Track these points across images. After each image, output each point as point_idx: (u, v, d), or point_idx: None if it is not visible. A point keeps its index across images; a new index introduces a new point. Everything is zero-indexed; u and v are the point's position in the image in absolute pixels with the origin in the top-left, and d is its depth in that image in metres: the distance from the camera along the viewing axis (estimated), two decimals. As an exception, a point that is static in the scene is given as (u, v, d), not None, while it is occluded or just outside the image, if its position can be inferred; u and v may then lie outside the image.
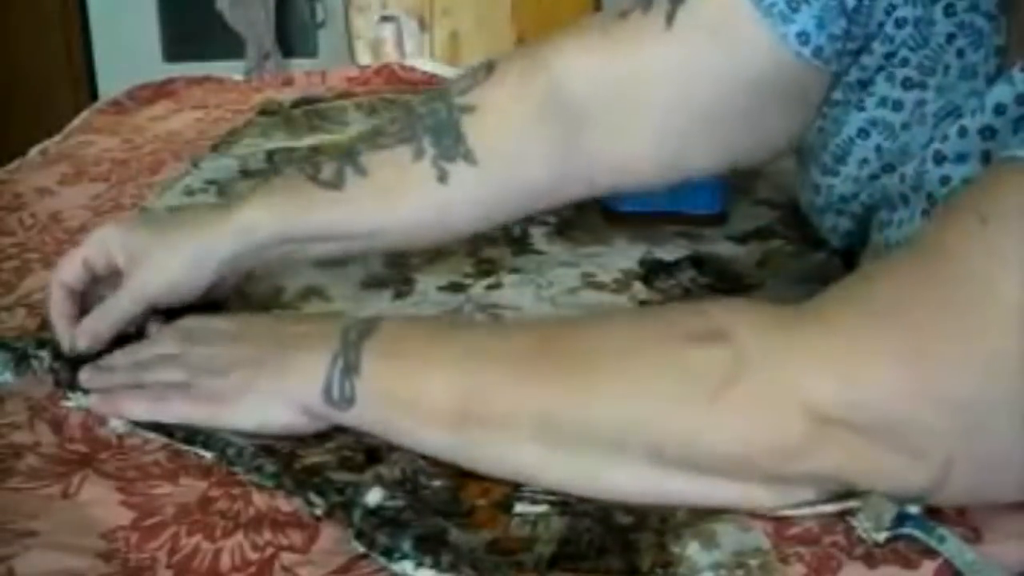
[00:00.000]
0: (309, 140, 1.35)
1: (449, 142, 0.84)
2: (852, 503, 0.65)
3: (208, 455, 0.73)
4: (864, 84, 0.83)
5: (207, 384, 0.74)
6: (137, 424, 0.76)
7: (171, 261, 0.83)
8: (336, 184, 0.84)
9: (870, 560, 0.62)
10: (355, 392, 0.70)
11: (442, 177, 0.84)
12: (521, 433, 0.66)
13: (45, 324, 0.89)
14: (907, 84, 0.81)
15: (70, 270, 0.83)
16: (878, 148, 0.83)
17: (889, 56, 0.82)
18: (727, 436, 0.62)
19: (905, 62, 0.81)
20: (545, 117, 0.85)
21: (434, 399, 0.68)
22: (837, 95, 0.85)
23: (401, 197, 0.85)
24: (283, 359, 0.73)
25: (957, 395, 0.59)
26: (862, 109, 0.83)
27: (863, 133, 0.83)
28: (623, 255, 1.00)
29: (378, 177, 0.85)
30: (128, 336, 0.84)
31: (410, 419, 0.69)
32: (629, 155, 0.86)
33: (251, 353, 0.74)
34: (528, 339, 0.71)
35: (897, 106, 0.82)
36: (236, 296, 0.93)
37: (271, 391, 0.72)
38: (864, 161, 0.83)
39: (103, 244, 0.84)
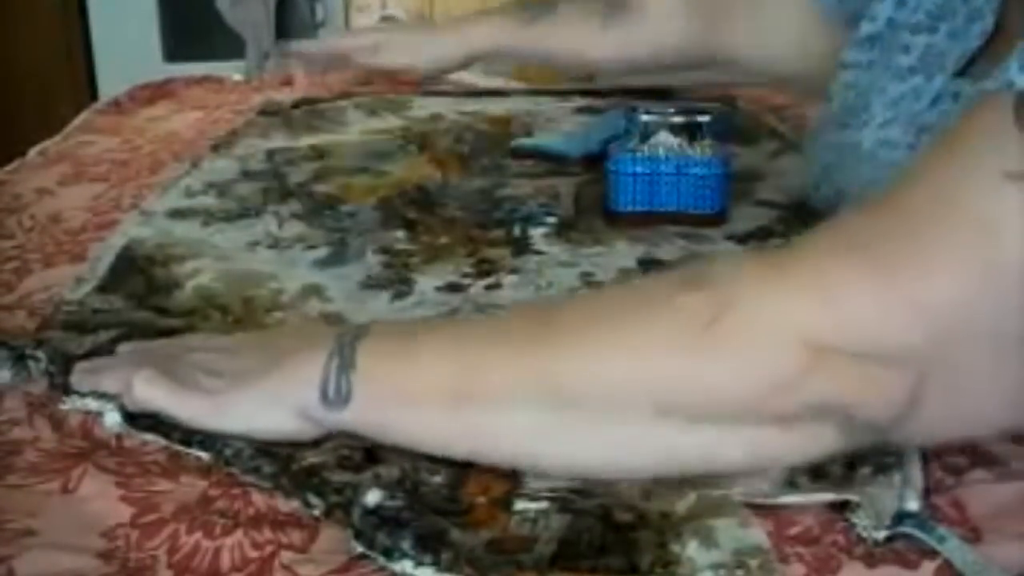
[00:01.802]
0: (309, 140, 1.36)
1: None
2: (851, 496, 0.65)
3: (205, 456, 0.73)
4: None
5: (204, 381, 0.74)
6: (134, 424, 0.75)
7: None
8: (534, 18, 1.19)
9: (870, 560, 0.62)
10: (351, 388, 0.69)
11: (604, 25, 1.15)
12: (520, 403, 0.66)
13: (44, 325, 0.89)
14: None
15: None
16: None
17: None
18: (723, 374, 0.63)
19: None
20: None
21: (430, 382, 0.68)
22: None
23: (574, 36, 1.18)
24: (280, 364, 0.72)
25: (932, 303, 0.61)
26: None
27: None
28: (622, 255, 1.00)
29: (563, 18, 1.19)
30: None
31: (407, 408, 0.69)
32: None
33: (249, 363, 0.74)
34: (521, 315, 0.72)
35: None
36: (237, 297, 0.94)
37: (267, 393, 0.72)
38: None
39: None
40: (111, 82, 2.50)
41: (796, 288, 0.63)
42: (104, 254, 1.03)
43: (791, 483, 0.68)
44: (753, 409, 0.63)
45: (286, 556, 0.64)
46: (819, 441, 0.65)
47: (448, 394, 0.68)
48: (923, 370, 0.62)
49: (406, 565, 0.62)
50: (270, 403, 0.72)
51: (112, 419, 0.76)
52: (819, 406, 0.63)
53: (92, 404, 0.78)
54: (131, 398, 0.74)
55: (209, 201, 1.16)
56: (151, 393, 0.73)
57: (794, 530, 0.64)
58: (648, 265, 0.98)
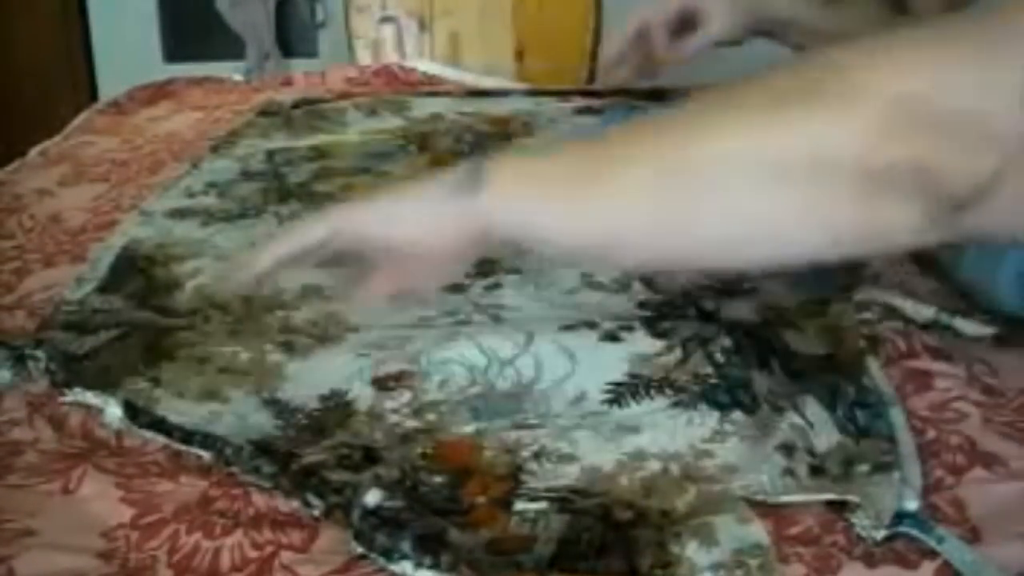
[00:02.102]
0: (309, 140, 1.36)
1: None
2: (850, 497, 0.65)
3: (206, 455, 0.73)
4: None
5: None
6: (134, 421, 0.76)
7: None
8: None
9: (870, 560, 0.62)
10: (485, 173, 0.69)
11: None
12: (645, 185, 0.68)
13: (44, 325, 0.89)
14: None
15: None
16: None
17: None
18: (826, 123, 0.66)
19: None
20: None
21: (560, 170, 0.69)
22: None
23: (864, 26, 1.08)
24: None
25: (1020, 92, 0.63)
26: None
27: None
28: (623, 255, 1.00)
29: (852, 7, 1.14)
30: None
31: (540, 191, 0.69)
32: None
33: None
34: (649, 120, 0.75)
35: None
36: (237, 297, 0.94)
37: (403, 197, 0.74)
38: None
39: None
40: (111, 82, 2.50)
41: (901, 59, 0.67)
42: (104, 254, 1.03)
43: (790, 472, 0.68)
44: (850, 161, 0.65)
45: (286, 556, 0.64)
46: (903, 214, 0.66)
47: (581, 179, 0.68)
48: (1009, 151, 0.64)
49: (406, 566, 0.62)
50: (402, 204, 0.73)
51: (113, 415, 0.77)
52: (907, 165, 0.65)
53: (93, 400, 0.78)
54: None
55: (209, 201, 1.16)
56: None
57: (794, 530, 0.65)
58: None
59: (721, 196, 0.67)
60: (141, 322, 0.90)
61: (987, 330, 0.85)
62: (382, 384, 0.81)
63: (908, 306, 0.88)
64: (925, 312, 0.87)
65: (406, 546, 0.62)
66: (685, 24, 1.22)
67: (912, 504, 0.65)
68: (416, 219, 0.71)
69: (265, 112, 1.47)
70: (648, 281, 0.95)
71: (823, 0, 1.20)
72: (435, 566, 0.61)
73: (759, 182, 0.66)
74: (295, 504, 0.68)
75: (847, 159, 0.65)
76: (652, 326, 0.86)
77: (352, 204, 0.78)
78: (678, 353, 0.83)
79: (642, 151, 0.69)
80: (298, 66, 2.79)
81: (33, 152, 1.37)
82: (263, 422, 0.77)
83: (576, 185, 0.68)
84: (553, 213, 0.69)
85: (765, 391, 0.78)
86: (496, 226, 0.70)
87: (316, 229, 0.74)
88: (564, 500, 0.67)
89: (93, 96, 2.90)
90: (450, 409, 0.78)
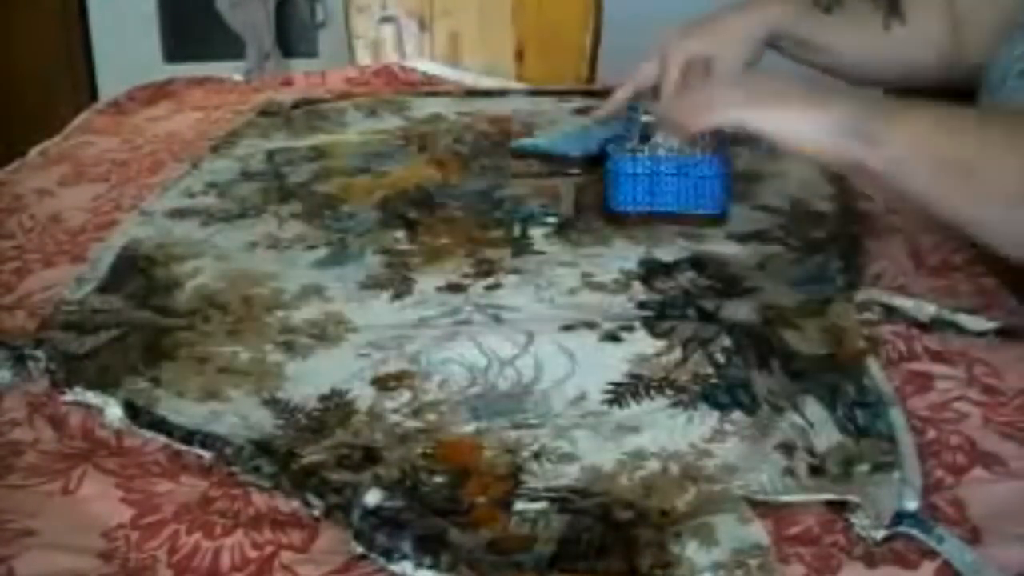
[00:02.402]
0: (309, 140, 1.36)
1: (894, 5, 1.16)
2: (850, 497, 0.65)
3: (206, 454, 0.73)
4: None
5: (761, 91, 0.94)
6: (134, 421, 0.76)
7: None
8: (828, 8, 1.17)
9: (870, 560, 0.62)
10: (882, 123, 0.86)
11: (886, 26, 1.15)
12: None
13: (44, 325, 0.89)
14: None
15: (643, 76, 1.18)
16: None
17: None
18: None
19: None
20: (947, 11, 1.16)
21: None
22: None
23: (858, 33, 1.17)
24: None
25: None
26: None
27: None
28: (623, 255, 1.00)
29: (850, 14, 1.17)
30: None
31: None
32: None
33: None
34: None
35: None
36: (237, 297, 0.94)
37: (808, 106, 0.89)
38: None
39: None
40: (111, 82, 2.50)
41: None
42: (104, 254, 1.03)
43: (790, 472, 0.68)
44: None
45: (286, 556, 0.64)
46: None
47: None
48: None
49: (406, 566, 0.62)
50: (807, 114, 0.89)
51: (113, 414, 0.77)
52: None
53: (93, 399, 0.78)
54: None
55: (209, 201, 1.16)
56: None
57: (794, 530, 0.65)
58: (649, 265, 0.98)
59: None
60: (141, 322, 0.90)
61: (990, 324, 0.85)
62: (382, 384, 0.81)
63: (910, 305, 0.88)
64: (927, 309, 0.87)
65: (406, 546, 0.62)
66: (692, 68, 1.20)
67: (912, 504, 0.65)
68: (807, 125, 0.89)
69: (265, 112, 1.47)
70: (648, 281, 0.95)
71: (822, 10, 1.20)
72: (435, 566, 0.61)
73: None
74: (295, 504, 0.68)
75: None
76: (652, 326, 0.86)
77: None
78: (678, 353, 0.83)
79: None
80: (298, 66, 2.79)
81: (33, 152, 1.37)
82: (263, 421, 0.77)
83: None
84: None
85: (765, 391, 0.78)
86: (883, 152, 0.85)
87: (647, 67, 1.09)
88: (564, 500, 0.67)
89: (93, 96, 2.90)
90: (450, 409, 0.78)
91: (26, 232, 1.12)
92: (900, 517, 0.63)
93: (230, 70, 2.09)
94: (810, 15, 1.18)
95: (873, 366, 0.80)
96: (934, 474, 0.69)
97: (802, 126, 0.89)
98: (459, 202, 1.14)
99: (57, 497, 0.69)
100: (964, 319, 0.86)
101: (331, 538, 0.65)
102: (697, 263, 0.98)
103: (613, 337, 0.85)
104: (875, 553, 0.62)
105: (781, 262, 0.99)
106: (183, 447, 0.74)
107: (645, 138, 1.07)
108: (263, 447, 0.72)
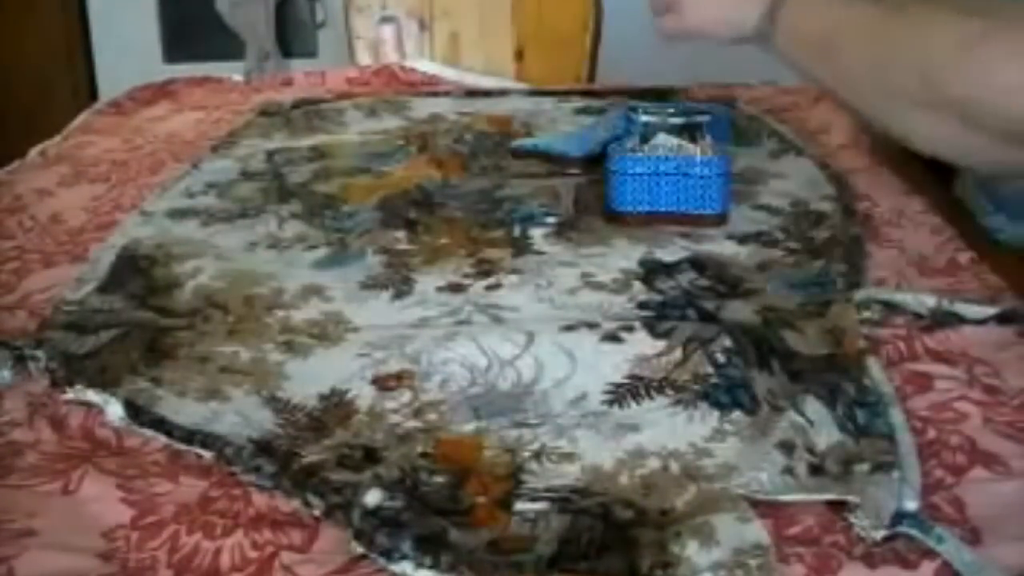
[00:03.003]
0: (309, 140, 1.36)
1: None
2: (850, 497, 0.65)
3: (207, 454, 0.73)
4: None
5: None
6: (135, 420, 0.76)
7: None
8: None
9: (870, 560, 0.62)
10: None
11: None
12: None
13: (44, 325, 0.89)
14: None
15: None
16: None
17: None
18: (992, 73, 0.82)
19: None
20: None
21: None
22: None
23: None
24: None
25: None
26: None
27: None
28: (623, 255, 1.00)
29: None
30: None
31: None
32: None
33: None
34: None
35: None
36: (237, 297, 0.94)
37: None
38: None
39: None
40: (111, 82, 2.50)
41: None
42: (104, 254, 1.03)
43: (790, 471, 0.68)
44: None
45: (286, 556, 0.64)
46: None
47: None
48: None
49: (406, 567, 0.62)
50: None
51: (114, 412, 0.77)
52: None
53: (93, 398, 0.78)
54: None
55: (209, 201, 1.16)
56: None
57: (794, 530, 0.65)
58: (649, 265, 0.98)
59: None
60: (141, 322, 0.90)
61: (989, 311, 0.86)
62: (382, 384, 0.81)
63: (909, 299, 0.88)
64: (927, 302, 0.87)
65: (406, 546, 0.62)
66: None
67: (912, 504, 0.65)
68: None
69: (265, 112, 1.47)
70: (648, 281, 0.95)
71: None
72: (435, 566, 0.61)
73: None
74: (295, 504, 0.68)
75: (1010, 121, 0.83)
76: (652, 327, 0.86)
77: None
78: (678, 353, 0.83)
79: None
80: (298, 66, 2.79)
81: (33, 152, 1.37)
82: (263, 421, 0.77)
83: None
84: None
85: (765, 391, 0.78)
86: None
87: None
88: (564, 500, 0.67)
89: (93, 96, 2.90)
90: (450, 409, 0.78)
91: (26, 232, 1.12)
92: (900, 517, 0.63)
93: (230, 70, 2.09)
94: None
95: (873, 366, 0.80)
96: (934, 474, 0.69)
97: (731, 14, 1.01)
98: (459, 202, 1.14)
99: (57, 497, 0.69)
100: (963, 308, 0.86)
101: (331, 538, 0.65)
102: (697, 263, 0.98)
103: (613, 337, 0.85)
104: (875, 553, 0.62)
105: (781, 263, 0.99)
106: (183, 447, 0.74)
107: (645, 138, 1.07)
108: (263, 447, 0.72)
